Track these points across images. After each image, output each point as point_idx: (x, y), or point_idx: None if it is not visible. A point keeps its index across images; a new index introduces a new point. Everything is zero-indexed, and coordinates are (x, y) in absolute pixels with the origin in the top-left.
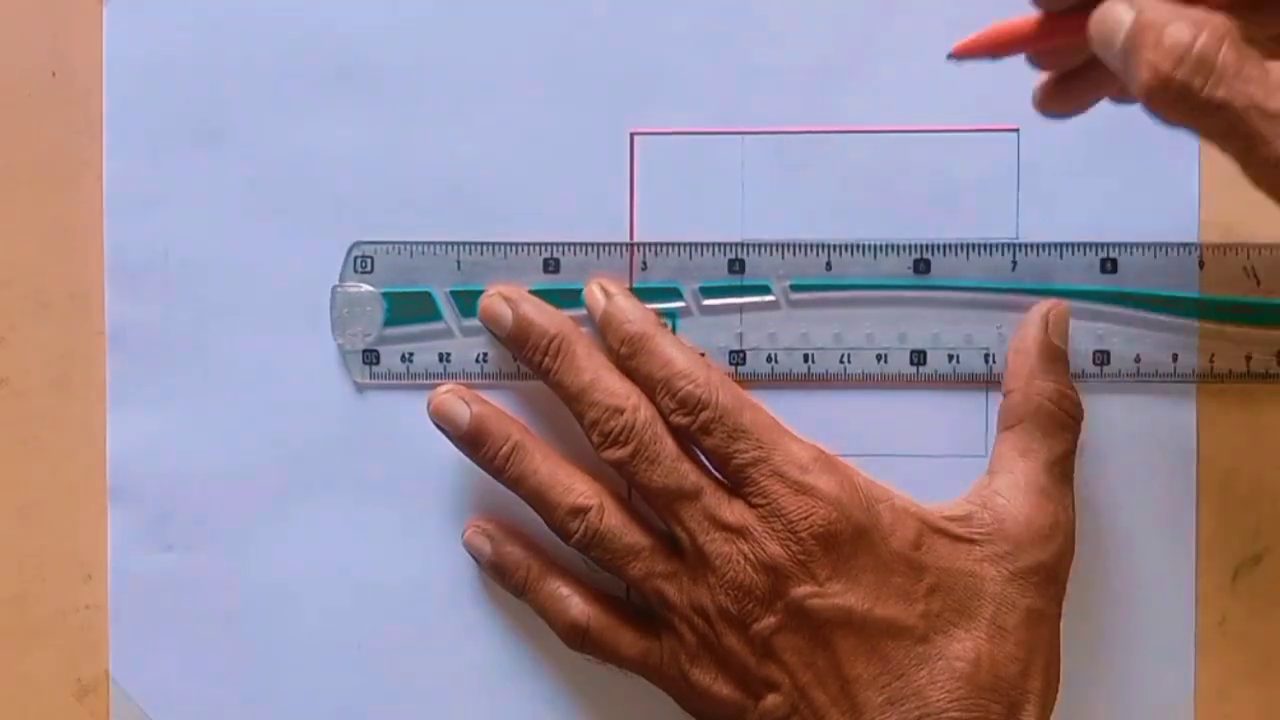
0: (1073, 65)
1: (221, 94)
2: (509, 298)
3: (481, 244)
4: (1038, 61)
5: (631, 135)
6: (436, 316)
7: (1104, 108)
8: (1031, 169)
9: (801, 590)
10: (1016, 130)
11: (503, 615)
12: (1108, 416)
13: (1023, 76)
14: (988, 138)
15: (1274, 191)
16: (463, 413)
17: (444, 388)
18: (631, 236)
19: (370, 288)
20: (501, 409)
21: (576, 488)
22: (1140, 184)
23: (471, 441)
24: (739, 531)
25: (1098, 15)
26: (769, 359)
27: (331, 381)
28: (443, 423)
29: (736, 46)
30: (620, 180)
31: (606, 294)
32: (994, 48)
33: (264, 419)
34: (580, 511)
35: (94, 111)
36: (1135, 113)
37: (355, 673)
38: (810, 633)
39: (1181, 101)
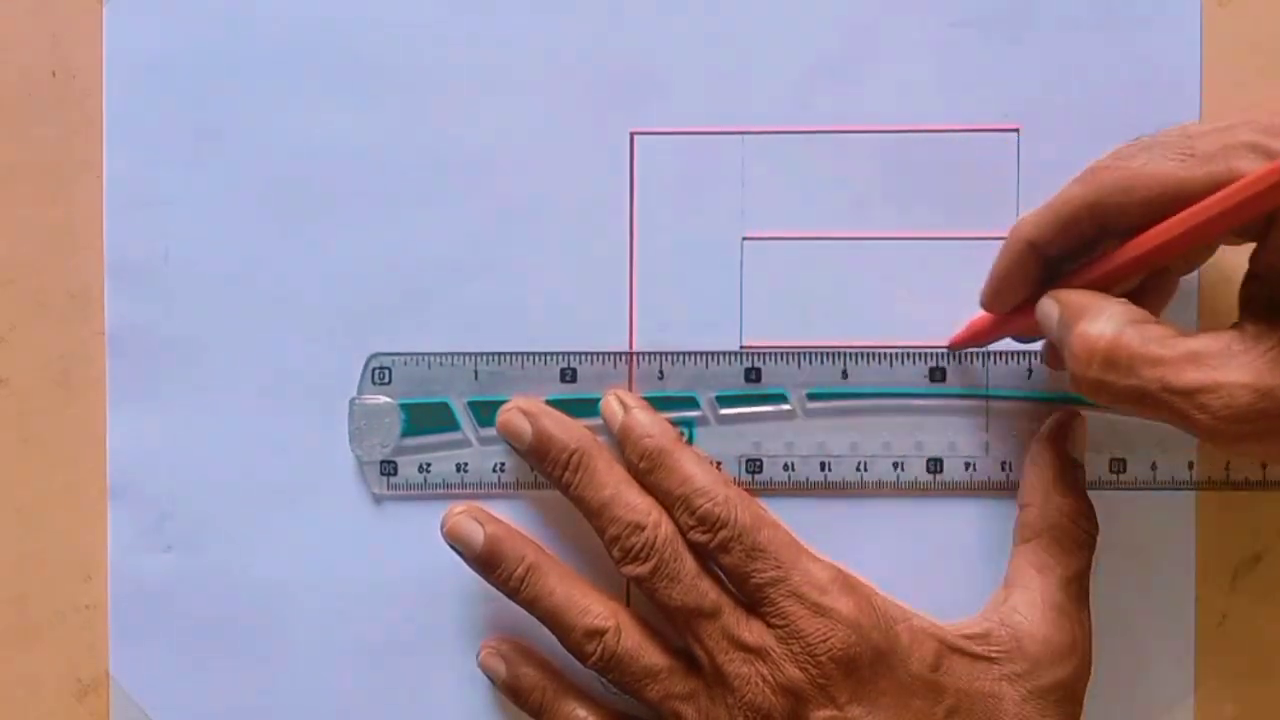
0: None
1: (222, 94)
2: (528, 412)
3: (499, 354)
4: (1021, 340)
5: (631, 135)
6: (454, 427)
7: (1104, 107)
8: (1031, 169)
9: (821, 714)
10: (1016, 130)
11: (503, 616)
12: (1109, 419)
13: (1023, 76)
14: (988, 138)
15: (1227, 450)
16: (477, 534)
17: (458, 508)
18: (632, 237)
19: (388, 399)
20: (516, 529)
21: (593, 609)
22: None
23: (486, 563)
24: (758, 652)
25: (1038, 311)
26: (786, 467)
27: (335, 391)
28: (457, 544)
29: (736, 46)
30: (620, 180)
31: (624, 406)
32: (971, 339)
33: (265, 422)
34: (597, 634)
35: (94, 111)
36: (1135, 113)
37: (355, 673)
38: None
39: (1103, 394)
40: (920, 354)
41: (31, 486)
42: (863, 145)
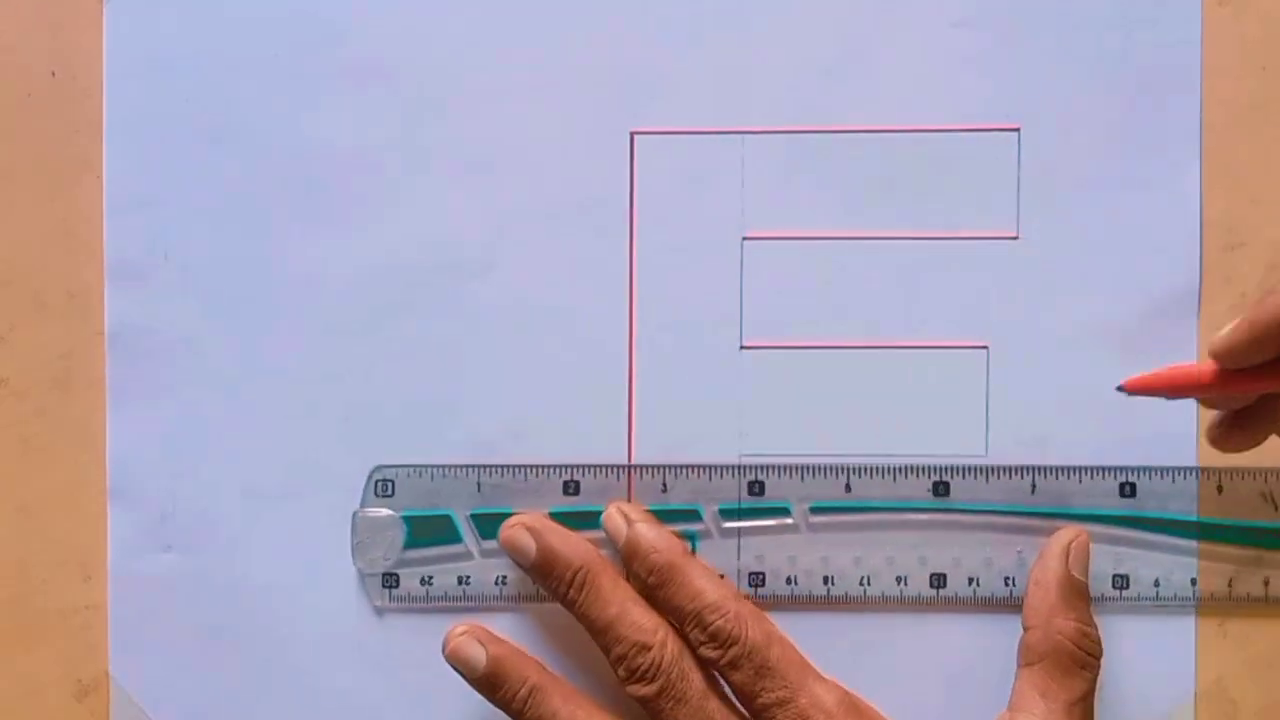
0: (1244, 405)
1: (222, 93)
2: (532, 528)
3: (502, 466)
4: (1209, 403)
5: (631, 135)
6: (456, 539)
7: (1104, 107)
8: (1031, 169)
9: None
10: (1017, 130)
11: (503, 619)
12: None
13: (1023, 76)
14: (988, 138)
15: None
16: (479, 655)
17: (459, 629)
18: (632, 237)
19: (390, 511)
20: (519, 648)
21: None
22: (1141, 182)
23: (488, 684)
24: None
25: None
26: (789, 581)
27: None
28: (459, 665)
29: (736, 46)
30: (620, 180)
31: (627, 520)
32: (1169, 390)
33: (265, 421)
34: None
35: (94, 111)
36: (1135, 113)
37: (354, 673)
38: None
39: None
40: (924, 468)
41: (31, 486)
42: (863, 145)
